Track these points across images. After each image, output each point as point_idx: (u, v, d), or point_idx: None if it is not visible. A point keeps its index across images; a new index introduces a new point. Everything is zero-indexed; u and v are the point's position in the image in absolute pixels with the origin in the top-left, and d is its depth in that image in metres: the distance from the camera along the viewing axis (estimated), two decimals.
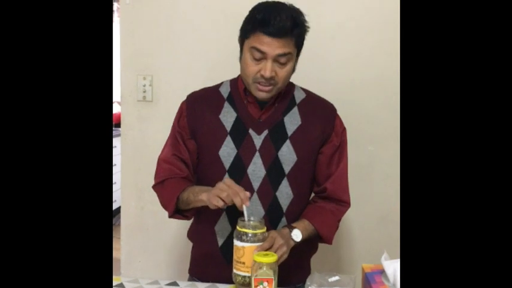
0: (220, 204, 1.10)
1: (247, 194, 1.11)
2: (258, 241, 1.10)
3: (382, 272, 1.05)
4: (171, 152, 1.31)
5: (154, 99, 1.95)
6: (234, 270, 1.11)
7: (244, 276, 1.09)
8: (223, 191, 1.10)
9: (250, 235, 1.09)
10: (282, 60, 1.19)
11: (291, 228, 1.22)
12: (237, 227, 1.11)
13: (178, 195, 1.23)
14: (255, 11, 1.20)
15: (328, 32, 1.83)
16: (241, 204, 1.10)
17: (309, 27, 1.24)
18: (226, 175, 1.25)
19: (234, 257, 1.11)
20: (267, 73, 1.18)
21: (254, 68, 1.20)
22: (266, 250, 1.09)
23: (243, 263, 1.08)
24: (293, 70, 1.26)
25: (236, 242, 1.10)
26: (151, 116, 1.95)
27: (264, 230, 1.12)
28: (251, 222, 1.12)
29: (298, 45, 1.24)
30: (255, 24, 1.18)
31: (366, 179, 1.86)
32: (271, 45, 1.17)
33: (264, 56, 1.18)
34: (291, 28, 1.17)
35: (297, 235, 1.20)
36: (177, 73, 1.93)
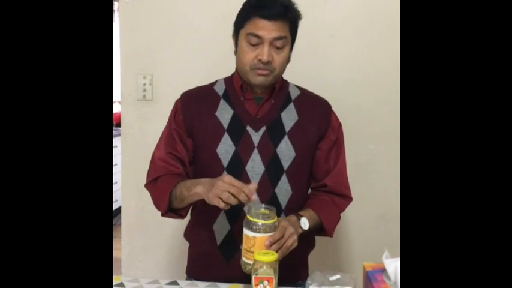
0: (222, 205, 1.07)
1: (252, 186, 1.08)
2: (269, 231, 1.08)
3: (383, 270, 1.05)
4: (166, 150, 1.29)
5: (155, 98, 1.95)
6: (244, 259, 1.10)
7: None
8: (224, 192, 1.06)
9: (261, 225, 1.08)
10: (278, 44, 1.21)
11: (299, 216, 1.21)
12: (248, 216, 1.09)
13: (170, 191, 1.21)
14: (249, 0, 1.24)
15: (327, 30, 1.83)
16: (247, 200, 1.07)
17: (301, 16, 1.26)
18: (225, 173, 1.24)
19: (244, 246, 1.09)
20: (265, 57, 1.19)
21: (251, 55, 1.21)
22: (277, 240, 1.08)
23: (253, 252, 1.07)
24: (288, 59, 1.27)
25: (246, 232, 1.08)
26: (152, 115, 1.95)
27: (275, 219, 1.10)
28: (262, 210, 1.10)
29: (292, 32, 1.25)
30: (250, 10, 1.21)
31: (366, 177, 1.86)
32: (267, 29, 1.19)
33: (260, 41, 1.20)
34: (285, 11, 1.21)
35: (305, 223, 1.20)
36: (177, 72, 1.92)
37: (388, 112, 1.82)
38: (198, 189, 1.14)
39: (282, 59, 1.23)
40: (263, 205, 1.12)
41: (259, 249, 1.06)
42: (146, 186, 1.32)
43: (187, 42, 1.91)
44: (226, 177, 1.09)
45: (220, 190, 1.07)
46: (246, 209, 1.19)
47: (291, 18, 1.23)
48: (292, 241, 1.12)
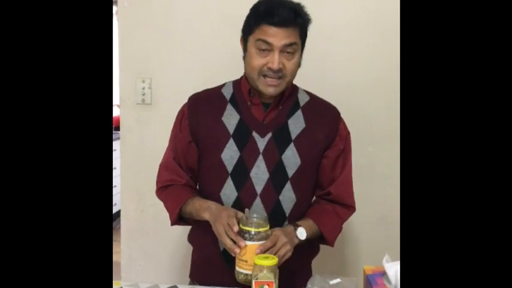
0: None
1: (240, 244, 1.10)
2: (261, 239, 1.09)
3: (383, 274, 1.05)
4: (172, 156, 1.31)
5: (154, 102, 1.95)
6: (237, 268, 1.10)
7: (247, 274, 1.09)
8: (221, 234, 1.12)
9: (253, 233, 1.09)
10: (289, 50, 1.19)
11: (296, 226, 1.21)
12: (240, 225, 1.10)
13: (180, 207, 1.24)
14: (257, 6, 1.22)
15: (327, 33, 1.83)
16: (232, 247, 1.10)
17: (311, 19, 1.25)
18: (229, 178, 1.24)
19: (237, 254, 1.10)
20: (275, 65, 1.17)
21: (260, 61, 1.19)
22: (269, 249, 1.08)
23: (246, 261, 1.08)
24: (299, 64, 1.26)
25: None
26: (151, 119, 1.95)
27: (267, 228, 1.11)
28: (254, 219, 1.11)
29: (303, 37, 1.24)
30: (258, 17, 1.19)
31: (366, 179, 1.86)
32: (277, 36, 1.17)
33: (270, 48, 1.18)
34: (295, 17, 1.18)
35: (301, 233, 1.19)
36: (176, 75, 1.92)
37: (388, 114, 1.82)
38: (206, 216, 1.18)
39: (293, 66, 1.21)
40: (255, 214, 1.12)
41: (250, 258, 1.07)
42: (156, 194, 1.34)
43: (186, 46, 1.90)
44: (224, 219, 1.13)
45: (217, 231, 1.13)
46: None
47: (300, 24, 1.21)
48: (285, 251, 1.12)
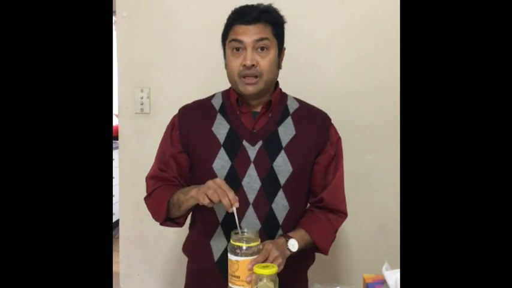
0: (206, 201, 1.08)
1: (236, 197, 1.09)
2: (253, 254, 1.08)
3: (383, 282, 1.04)
4: (158, 167, 1.30)
5: (152, 111, 1.95)
6: (230, 284, 1.10)
7: None
8: (210, 189, 1.08)
9: (244, 248, 1.08)
10: (261, 46, 1.21)
11: (287, 237, 1.20)
12: (231, 241, 1.09)
13: (168, 199, 1.21)
14: (231, 13, 1.27)
15: (325, 42, 1.84)
16: (229, 205, 1.07)
17: (284, 19, 1.27)
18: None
19: (229, 270, 1.09)
20: (248, 61, 1.20)
21: (236, 62, 1.22)
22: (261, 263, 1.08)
23: (238, 277, 1.07)
24: (279, 66, 1.27)
25: (230, 256, 1.09)
26: (149, 129, 1.95)
27: (258, 242, 1.10)
28: (245, 234, 1.10)
29: (278, 36, 1.25)
30: (231, 20, 1.24)
31: (364, 188, 1.86)
32: (247, 33, 1.21)
33: (242, 46, 1.21)
34: (264, 15, 1.22)
35: (293, 245, 1.19)
36: (174, 85, 1.93)
37: (386, 123, 1.83)
38: (193, 192, 1.14)
39: (268, 63, 1.22)
40: (245, 229, 1.12)
41: (243, 273, 1.06)
42: (144, 199, 1.33)
43: (184, 55, 1.91)
44: (218, 179, 1.12)
45: (208, 188, 1.09)
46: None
47: (271, 21, 1.23)
48: (277, 264, 1.10)
